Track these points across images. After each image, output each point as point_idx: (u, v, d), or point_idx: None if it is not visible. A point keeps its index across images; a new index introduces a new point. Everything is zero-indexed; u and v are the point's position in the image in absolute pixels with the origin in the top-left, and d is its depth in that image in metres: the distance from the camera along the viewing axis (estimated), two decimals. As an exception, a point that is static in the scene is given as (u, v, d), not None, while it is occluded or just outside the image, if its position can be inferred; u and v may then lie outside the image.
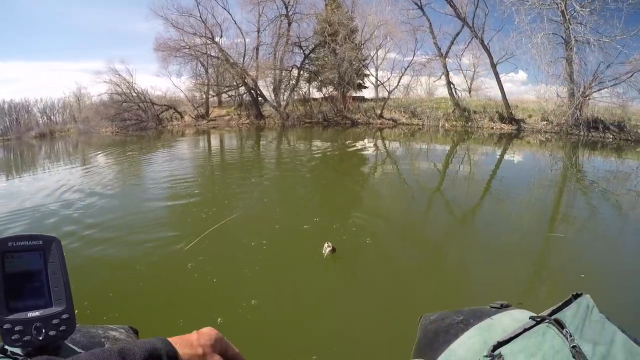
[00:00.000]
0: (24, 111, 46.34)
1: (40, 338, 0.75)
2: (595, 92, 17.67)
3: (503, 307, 1.35)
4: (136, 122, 31.25)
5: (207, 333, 0.76)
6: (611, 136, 16.68)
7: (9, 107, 46.36)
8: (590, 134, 16.98)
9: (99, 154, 16.73)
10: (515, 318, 1.23)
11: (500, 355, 1.01)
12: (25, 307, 0.74)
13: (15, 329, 0.71)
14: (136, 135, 26.51)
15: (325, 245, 4.36)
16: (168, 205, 6.91)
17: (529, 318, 1.11)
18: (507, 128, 20.35)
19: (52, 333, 0.75)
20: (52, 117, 46.41)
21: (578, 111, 17.20)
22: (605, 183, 8.76)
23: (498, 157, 12.70)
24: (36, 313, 0.74)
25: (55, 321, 0.76)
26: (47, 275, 0.78)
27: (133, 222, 5.91)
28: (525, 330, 1.07)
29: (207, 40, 28.85)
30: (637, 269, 4.26)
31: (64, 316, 0.77)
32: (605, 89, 17.54)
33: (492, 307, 1.37)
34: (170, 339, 0.71)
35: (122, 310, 3.41)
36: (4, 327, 0.71)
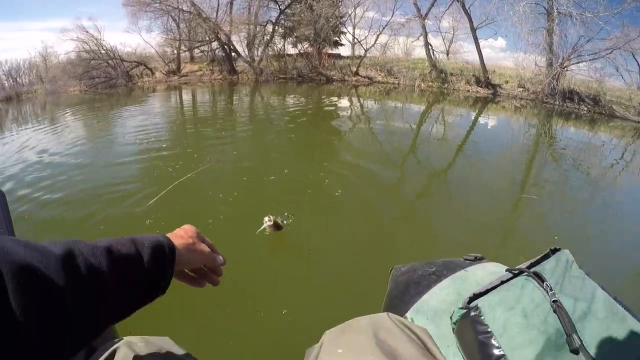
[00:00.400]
0: None
1: None
2: (573, 64, 17.74)
3: (477, 260, 1.37)
4: (105, 80, 29.95)
5: (189, 228, 0.88)
6: (585, 108, 16.82)
7: None
8: (565, 104, 17.09)
9: (66, 113, 15.96)
10: (490, 271, 1.26)
11: (476, 307, 1.01)
12: None
13: None
14: (105, 93, 25.52)
15: (266, 219, 3.45)
16: (134, 161, 6.60)
17: (506, 270, 1.12)
18: (483, 92, 20.26)
19: None
20: (17, 79, 44.35)
21: (555, 81, 17.23)
22: (576, 152, 8.81)
23: (472, 119, 12.64)
24: None
25: None
26: None
27: (96, 180, 5.63)
28: (502, 282, 1.06)
29: (179, -5, 27.35)
30: (606, 234, 4.32)
31: None
32: (584, 63, 17.65)
33: (466, 260, 1.39)
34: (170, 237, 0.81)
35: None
36: None
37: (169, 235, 0.81)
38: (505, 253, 3.65)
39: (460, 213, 4.53)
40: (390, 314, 1.12)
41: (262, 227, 3.44)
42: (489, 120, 12.93)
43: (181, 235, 0.83)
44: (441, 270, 1.31)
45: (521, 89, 19.22)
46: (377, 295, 1.61)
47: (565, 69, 17.43)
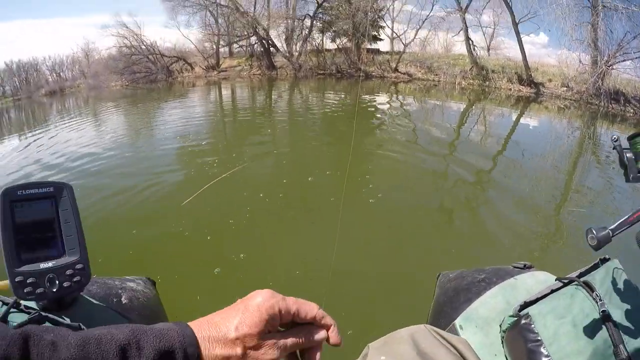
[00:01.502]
0: (32, 70, 45.87)
1: (54, 290, 0.72)
2: (619, 62, 16.88)
3: (526, 268, 1.35)
4: (146, 75, 30.90)
5: (253, 317, 0.54)
6: (632, 110, 15.95)
7: (17, 67, 45.87)
8: (610, 105, 16.25)
9: (109, 107, 16.73)
10: (539, 279, 1.24)
11: (527, 316, 1.01)
12: (37, 259, 0.71)
13: (28, 281, 0.68)
14: (146, 88, 26.48)
15: None
16: (173, 157, 6.95)
17: (556, 279, 1.11)
18: (525, 91, 19.70)
19: (66, 284, 0.72)
20: (61, 74, 45.95)
21: (600, 80, 16.46)
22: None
23: (514, 120, 12.52)
24: (49, 264, 0.71)
25: (69, 272, 0.72)
26: (60, 224, 0.74)
27: (136, 175, 5.92)
28: (552, 291, 1.06)
29: (217, -11, 27.74)
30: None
31: (78, 266, 0.73)
32: (630, 61, 16.73)
33: (515, 267, 1.37)
34: (197, 326, 0.54)
35: (115, 266, 3.35)
36: (16, 279, 0.68)
37: (206, 325, 0.54)
38: (551, 261, 3.69)
39: (504, 218, 4.52)
40: (427, 325, 1.13)
41: None
42: (532, 121, 12.75)
43: (225, 338, 0.53)
44: (490, 277, 1.32)
45: (565, 88, 18.50)
46: (421, 301, 1.71)
47: (611, 67, 16.67)
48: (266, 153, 6.98)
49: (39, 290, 0.69)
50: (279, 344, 0.55)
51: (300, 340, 0.57)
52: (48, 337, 0.45)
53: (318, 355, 0.60)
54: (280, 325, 0.57)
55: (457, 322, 1.21)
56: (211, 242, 3.80)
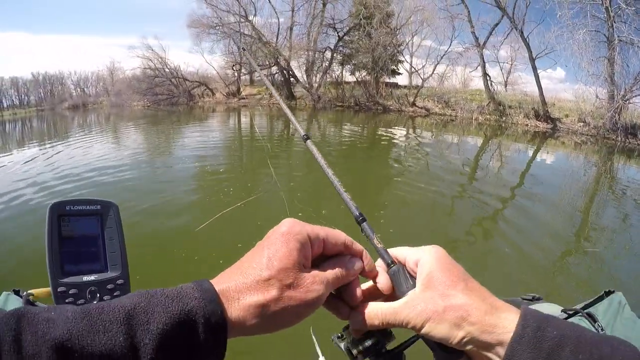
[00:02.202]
0: (58, 83, 47.80)
1: (95, 302, 0.66)
2: (636, 96, 17.00)
3: (535, 300, 1.34)
4: (168, 97, 32.06)
5: (282, 248, 0.47)
6: None
7: (43, 78, 47.84)
8: (627, 140, 16.23)
9: (131, 126, 17.25)
10: (546, 310, 1.23)
11: None
12: (81, 271, 0.72)
13: (70, 292, 0.70)
14: (167, 110, 27.16)
15: None
16: (189, 182, 7.20)
17: (561, 311, 1.11)
18: (542, 126, 19.87)
19: (106, 298, 0.73)
20: (85, 89, 47.77)
21: (617, 115, 16.52)
22: (638, 194, 8.51)
23: (531, 156, 12.58)
24: (91, 277, 0.73)
25: (110, 286, 0.74)
26: (104, 240, 0.76)
27: (149, 198, 6.12)
28: None
29: (241, 19, 28.99)
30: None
31: (119, 281, 0.75)
32: None
33: (523, 299, 1.35)
34: (218, 280, 0.47)
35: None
36: (59, 289, 0.69)
37: (225, 275, 0.49)
38: (564, 295, 3.76)
39: (515, 255, 4.55)
40: None
41: None
42: (548, 156, 12.81)
43: (257, 280, 0.46)
44: None
45: (582, 124, 18.61)
46: None
47: (628, 101, 16.74)
48: (281, 183, 7.08)
49: (79, 302, 0.70)
50: (320, 278, 0.49)
51: (340, 272, 0.51)
52: (44, 315, 0.39)
53: (359, 290, 0.54)
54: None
55: None
56: (223, 266, 3.93)
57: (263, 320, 0.45)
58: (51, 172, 7.81)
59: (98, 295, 0.72)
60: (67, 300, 0.69)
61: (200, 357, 0.41)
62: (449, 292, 0.48)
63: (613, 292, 1.11)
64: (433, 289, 0.49)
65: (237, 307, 0.44)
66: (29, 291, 0.81)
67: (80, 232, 0.75)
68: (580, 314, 1.05)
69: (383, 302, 0.53)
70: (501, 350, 0.44)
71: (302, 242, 0.48)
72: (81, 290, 0.71)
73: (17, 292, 0.90)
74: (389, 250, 0.58)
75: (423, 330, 0.48)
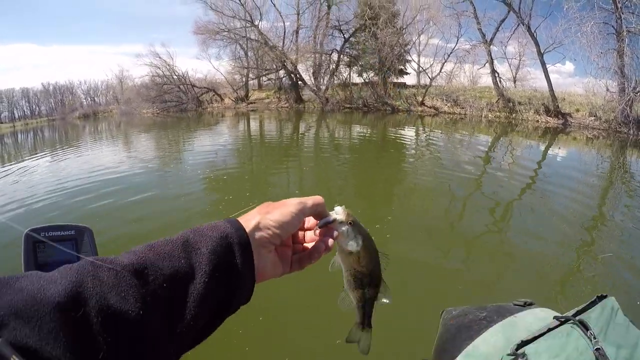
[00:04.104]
0: (68, 93, 48.41)
1: None
2: (647, 88, 16.56)
3: (527, 305, 1.38)
4: (177, 104, 32.33)
5: (287, 215, 0.65)
6: None
7: (54, 88, 48.48)
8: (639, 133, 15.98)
9: (141, 133, 17.44)
10: (538, 317, 1.25)
11: (524, 355, 1.04)
12: None
13: None
14: (177, 117, 27.28)
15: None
16: (196, 190, 7.25)
17: (553, 318, 1.14)
18: (552, 122, 19.67)
19: None
20: (95, 98, 48.32)
21: (628, 108, 16.28)
22: None
23: (542, 152, 12.42)
24: None
25: None
26: None
27: (154, 204, 6.29)
28: (549, 330, 1.10)
29: (247, 24, 29.12)
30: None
31: None
32: None
33: (515, 305, 1.40)
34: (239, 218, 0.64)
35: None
36: None
37: (243, 218, 0.63)
38: (573, 304, 3.66)
39: (519, 259, 4.45)
40: None
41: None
42: (560, 152, 12.65)
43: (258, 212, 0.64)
44: (492, 315, 1.33)
45: (593, 118, 18.40)
46: (426, 335, 1.71)
47: (639, 93, 16.42)
48: (291, 188, 7.19)
49: None
50: (289, 201, 0.69)
51: (297, 203, 0.69)
52: (110, 257, 0.51)
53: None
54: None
55: (459, 359, 1.24)
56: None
57: (266, 228, 0.62)
58: (57, 178, 8.05)
59: None
60: None
61: (237, 273, 0.57)
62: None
63: (606, 296, 1.15)
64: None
65: (251, 228, 0.61)
66: None
67: (56, 258, 0.75)
68: (572, 321, 1.08)
69: None
70: None
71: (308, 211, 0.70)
72: None
73: None
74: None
75: None
